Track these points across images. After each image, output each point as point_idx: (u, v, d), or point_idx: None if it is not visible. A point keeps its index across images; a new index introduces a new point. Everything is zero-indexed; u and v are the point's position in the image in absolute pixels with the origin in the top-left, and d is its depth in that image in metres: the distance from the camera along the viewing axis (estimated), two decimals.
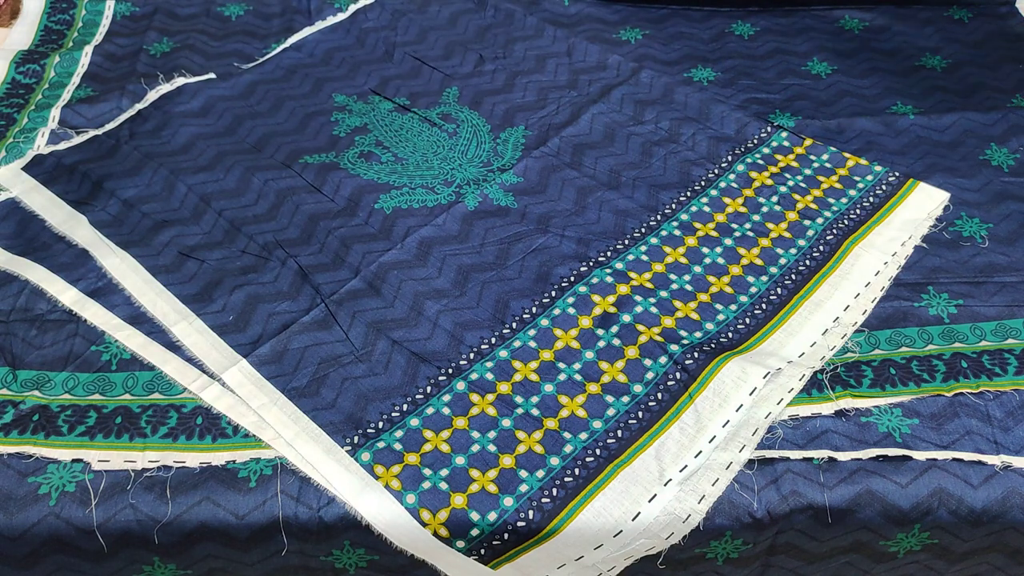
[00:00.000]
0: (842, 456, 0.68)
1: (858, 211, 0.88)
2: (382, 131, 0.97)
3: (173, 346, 0.75)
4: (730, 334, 0.77)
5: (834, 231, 0.86)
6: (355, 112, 0.99)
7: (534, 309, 0.78)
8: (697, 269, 0.82)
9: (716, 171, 0.92)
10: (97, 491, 0.65)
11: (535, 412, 0.70)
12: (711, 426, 0.69)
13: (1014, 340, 0.76)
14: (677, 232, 0.85)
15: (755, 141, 0.96)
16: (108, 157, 0.92)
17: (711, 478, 0.66)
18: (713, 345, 0.75)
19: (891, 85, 1.04)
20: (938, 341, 0.76)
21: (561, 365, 0.74)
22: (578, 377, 0.73)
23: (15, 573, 0.66)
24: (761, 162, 0.93)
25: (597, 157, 0.94)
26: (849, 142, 0.96)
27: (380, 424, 0.69)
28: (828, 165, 0.93)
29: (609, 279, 0.80)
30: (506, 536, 0.64)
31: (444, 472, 0.67)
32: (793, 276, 0.82)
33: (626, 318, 0.77)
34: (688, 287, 0.80)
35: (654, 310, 0.78)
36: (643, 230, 0.86)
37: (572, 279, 0.80)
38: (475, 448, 0.68)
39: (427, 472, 0.67)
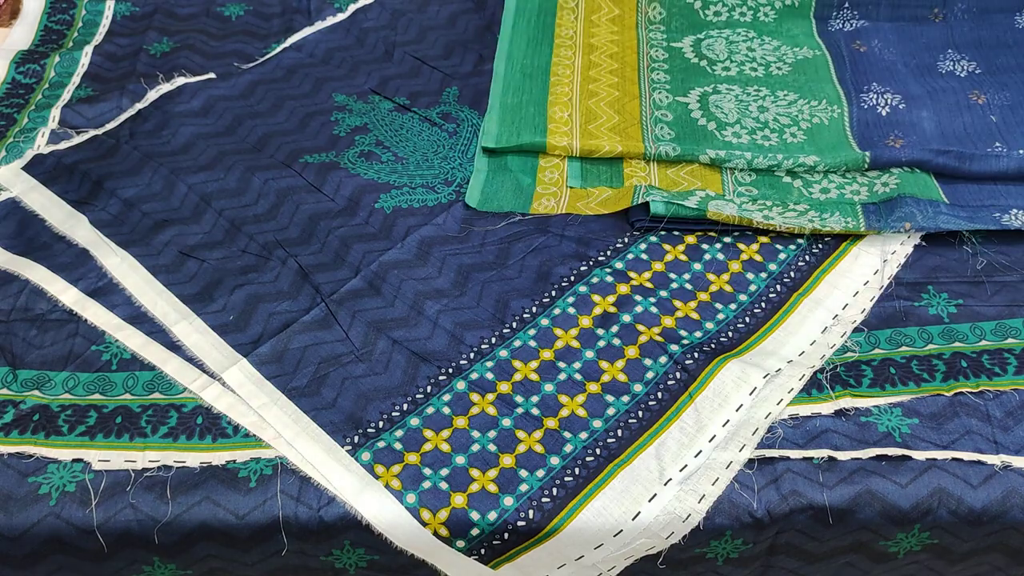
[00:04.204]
0: (842, 456, 0.68)
1: None
2: (382, 130, 0.97)
3: (173, 346, 0.75)
4: (730, 333, 0.77)
5: None
6: (355, 112, 1.00)
7: (534, 309, 0.78)
8: (697, 266, 0.82)
9: None
10: (97, 491, 0.65)
11: (535, 411, 0.71)
12: (711, 426, 0.69)
13: (1014, 340, 0.76)
14: (677, 231, 0.85)
15: None
16: (108, 157, 0.92)
17: (711, 478, 0.67)
18: (713, 345, 0.75)
19: None
20: (938, 341, 0.76)
21: (561, 364, 0.74)
22: (578, 376, 0.73)
23: (15, 573, 0.66)
24: None
25: None
26: None
27: (380, 424, 0.69)
28: None
29: (609, 278, 0.80)
30: (506, 536, 0.64)
31: (444, 472, 0.67)
32: (792, 274, 0.82)
33: (626, 318, 0.77)
34: (688, 286, 0.80)
35: (654, 310, 0.78)
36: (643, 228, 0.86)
37: (572, 278, 0.80)
38: (475, 448, 0.68)
39: (427, 472, 0.67)
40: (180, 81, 1.01)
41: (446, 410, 0.70)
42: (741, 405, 0.70)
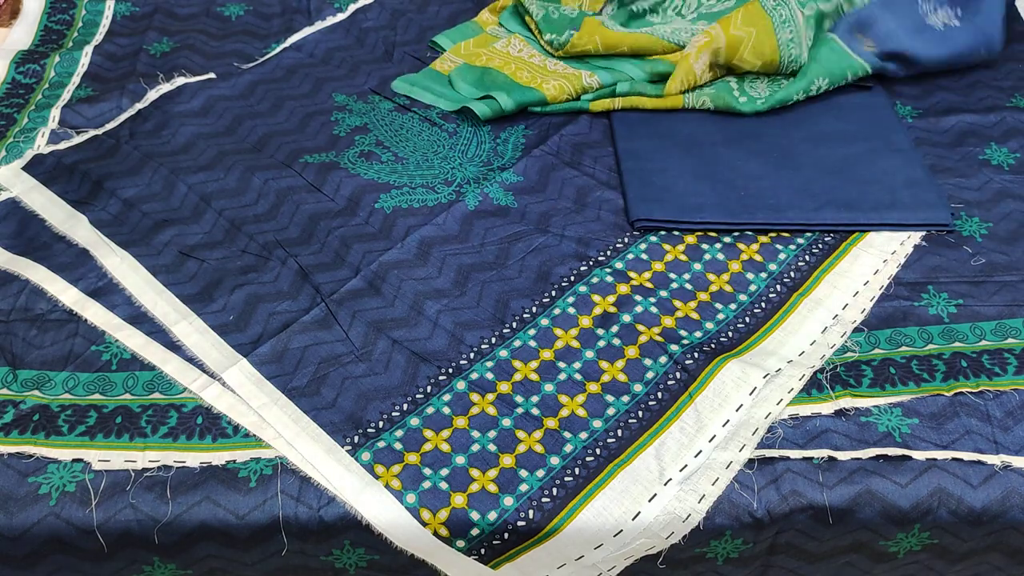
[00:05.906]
0: (842, 456, 0.68)
1: None
2: (382, 131, 0.97)
3: (173, 346, 0.75)
4: (730, 333, 0.77)
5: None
6: (355, 112, 1.00)
7: (534, 309, 0.78)
8: (697, 266, 0.82)
9: None
10: (97, 491, 0.65)
11: (535, 411, 0.71)
12: (711, 425, 0.69)
13: (1014, 340, 0.76)
14: (677, 231, 0.85)
15: None
16: (108, 157, 0.92)
17: (711, 477, 0.67)
18: (713, 345, 0.75)
19: (891, 85, 1.04)
20: (938, 341, 0.76)
21: (561, 364, 0.74)
22: (578, 376, 0.73)
23: (15, 573, 0.66)
24: None
25: (596, 156, 0.94)
26: None
27: (380, 424, 0.69)
28: None
29: (609, 279, 0.80)
30: (506, 536, 0.64)
31: (444, 472, 0.67)
32: (792, 273, 0.82)
33: (626, 318, 0.77)
34: (688, 286, 0.80)
35: (654, 310, 0.78)
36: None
37: (572, 279, 0.80)
38: (475, 448, 0.68)
39: (427, 472, 0.67)
40: (180, 81, 1.01)
41: (446, 410, 0.70)
42: (741, 405, 0.70)
